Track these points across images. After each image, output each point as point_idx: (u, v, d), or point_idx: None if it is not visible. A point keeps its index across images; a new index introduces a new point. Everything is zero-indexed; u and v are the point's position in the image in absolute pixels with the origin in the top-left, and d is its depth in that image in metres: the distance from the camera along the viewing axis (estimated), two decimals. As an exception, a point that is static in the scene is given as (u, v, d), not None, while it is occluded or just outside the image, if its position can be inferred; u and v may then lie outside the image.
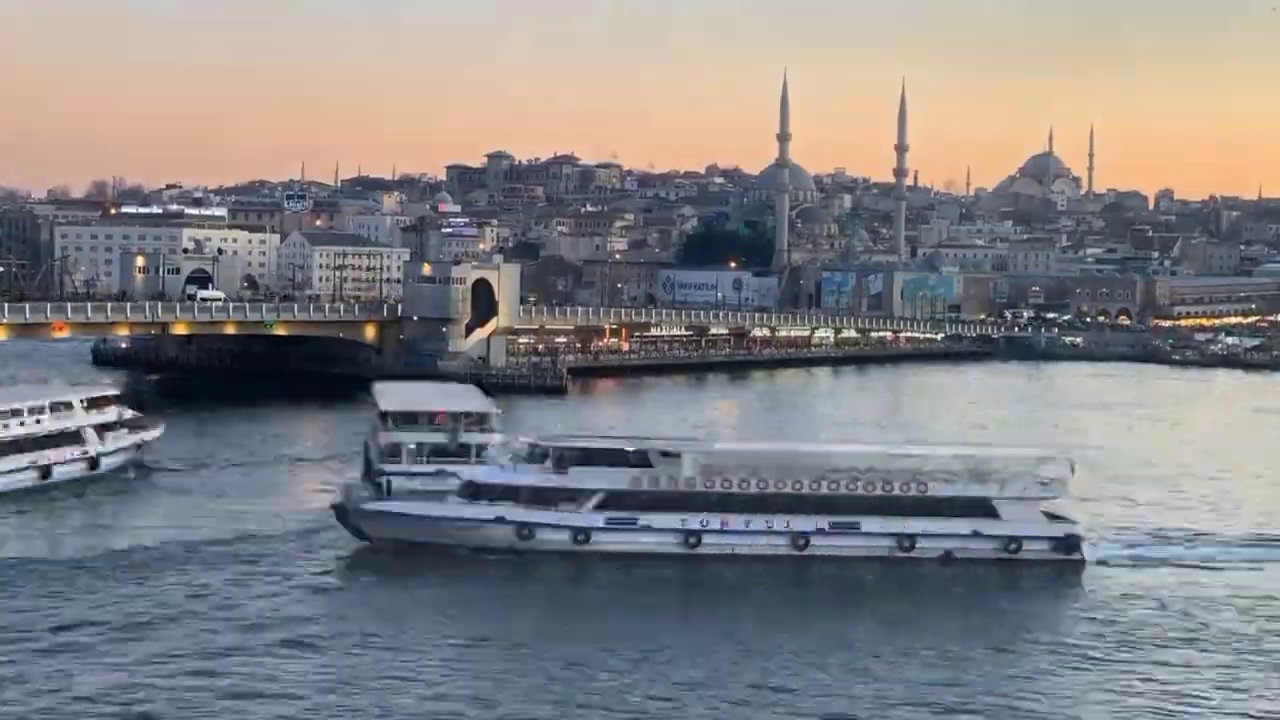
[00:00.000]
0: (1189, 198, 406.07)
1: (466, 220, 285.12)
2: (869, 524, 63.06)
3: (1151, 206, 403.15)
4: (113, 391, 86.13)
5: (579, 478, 62.62)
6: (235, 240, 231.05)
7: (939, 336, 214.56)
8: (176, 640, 50.47)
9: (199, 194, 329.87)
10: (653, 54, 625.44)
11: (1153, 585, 61.78)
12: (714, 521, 62.45)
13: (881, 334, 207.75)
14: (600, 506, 62.36)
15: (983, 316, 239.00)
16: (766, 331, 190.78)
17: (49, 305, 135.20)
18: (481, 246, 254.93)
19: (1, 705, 44.38)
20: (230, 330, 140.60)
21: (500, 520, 62.16)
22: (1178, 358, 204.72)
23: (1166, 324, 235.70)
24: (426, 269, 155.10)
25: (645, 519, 62.39)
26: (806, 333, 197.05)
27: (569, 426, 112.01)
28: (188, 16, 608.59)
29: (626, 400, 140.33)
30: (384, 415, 74.42)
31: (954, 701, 46.89)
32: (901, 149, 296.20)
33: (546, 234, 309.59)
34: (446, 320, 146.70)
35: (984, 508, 63.61)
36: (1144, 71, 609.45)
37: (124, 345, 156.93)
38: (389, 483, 66.84)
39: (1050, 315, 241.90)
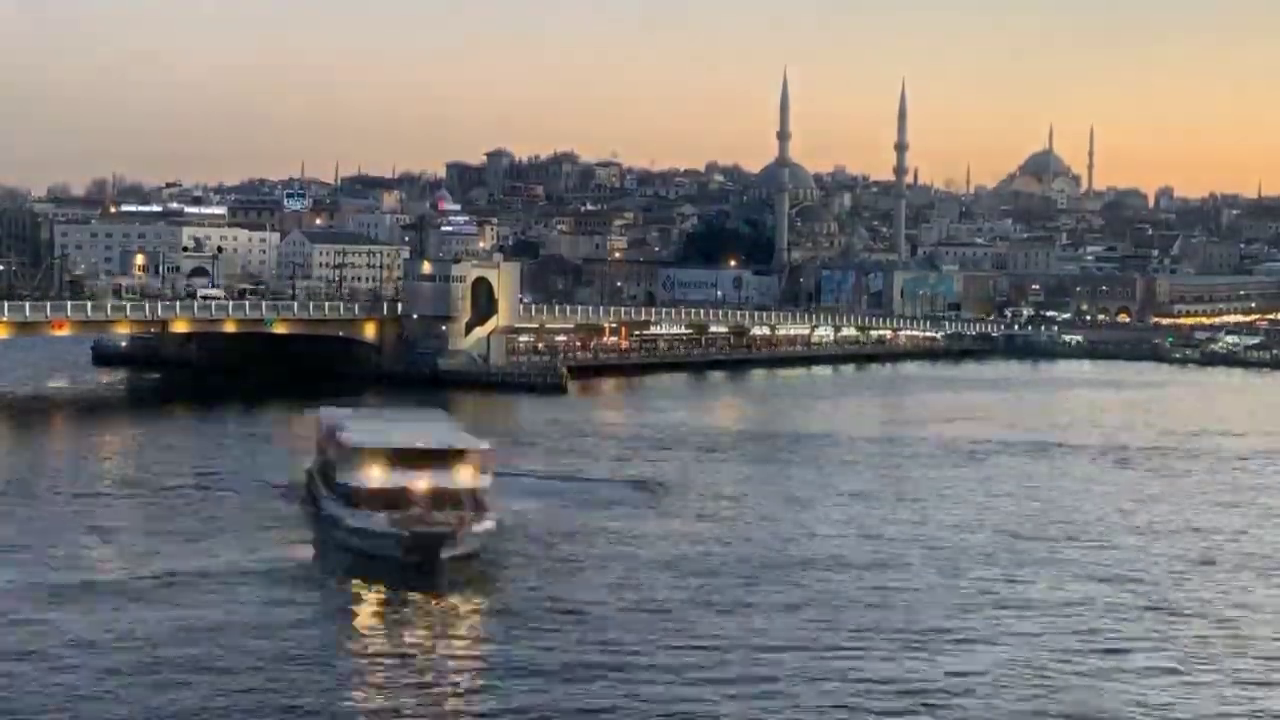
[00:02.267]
0: (1189, 196, 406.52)
1: (466, 219, 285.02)
2: None
3: (1151, 205, 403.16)
4: None
5: None
6: (235, 238, 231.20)
7: (939, 335, 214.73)
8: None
9: (199, 192, 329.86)
10: (653, 52, 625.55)
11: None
12: None
13: (881, 332, 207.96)
14: None
15: (983, 315, 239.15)
16: (766, 330, 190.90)
17: (49, 303, 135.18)
18: (481, 245, 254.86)
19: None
20: (230, 328, 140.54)
21: None
22: (1178, 356, 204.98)
23: (1166, 322, 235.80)
24: (426, 267, 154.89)
25: None
26: (806, 331, 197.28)
27: (569, 423, 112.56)
28: (187, 15, 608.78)
29: (626, 399, 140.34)
30: None
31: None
32: (901, 147, 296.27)
33: (546, 232, 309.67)
34: (446, 319, 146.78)
35: None
36: (1143, 69, 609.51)
37: (124, 344, 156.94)
38: None
39: (1050, 313, 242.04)
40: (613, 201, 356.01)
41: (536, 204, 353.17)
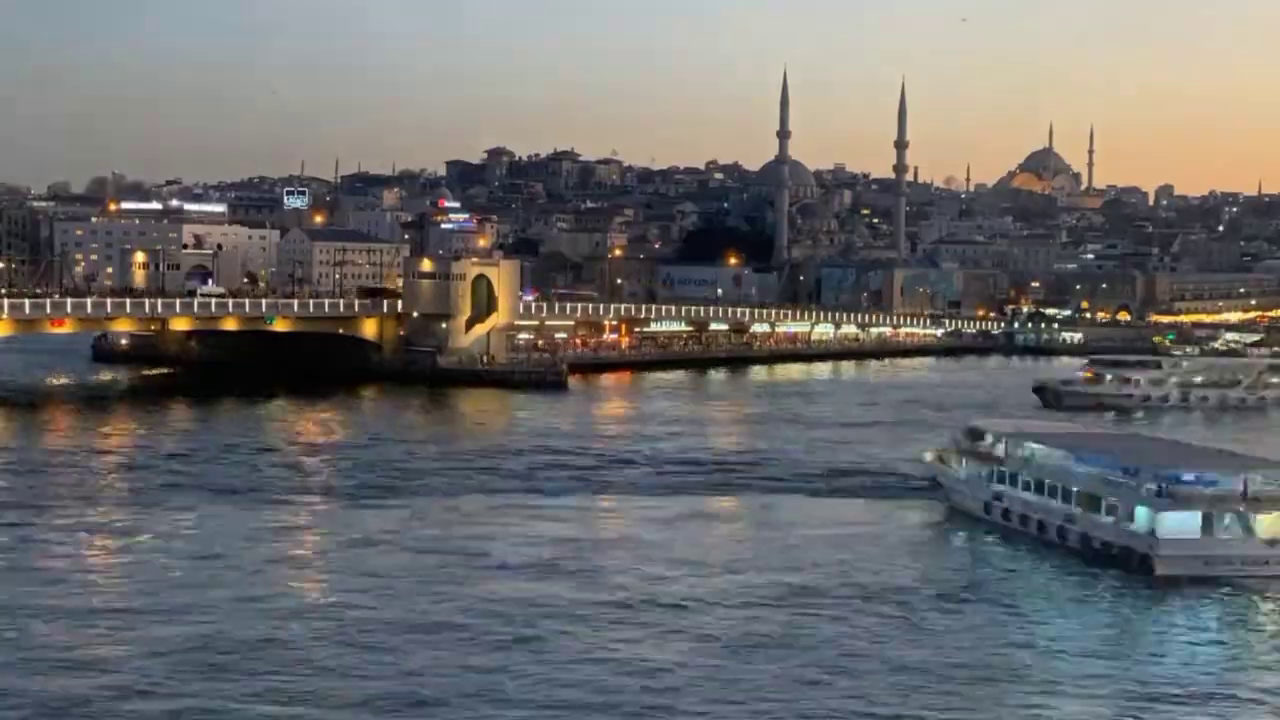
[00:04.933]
0: (1189, 193, 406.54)
1: (467, 216, 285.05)
2: None
3: (1151, 203, 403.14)
4: None
5: None
6: (235, 236, 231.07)
7: (939, 333, 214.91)
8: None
9: (199, 190, 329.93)
10: (653, 50, 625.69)
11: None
12: None
13: (881, 330, 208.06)
14: None
15: (982, 313, 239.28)
16: (766, 327, 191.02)
17: (49, 301, 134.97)
18: (481, 242, 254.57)
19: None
20: (230, 326, 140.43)
21: None
22: (1177, 353, 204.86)
23: (1166, 320, 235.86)
24: (427, 265, 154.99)
25: None
26: (807, 328, 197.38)
27: (569, 421, 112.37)
28: (188, 13, 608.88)
29: (627, 396, 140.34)
30: None
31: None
32: (901, 145, 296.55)
33: (546, 230, 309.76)
34: (447, 316, 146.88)
35: None
36: (1143, 68, 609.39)
37: (124, 341, 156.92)
38: None
39: (1050, 311, 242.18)
40: (613, 199, 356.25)
41: (536, 202, 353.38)
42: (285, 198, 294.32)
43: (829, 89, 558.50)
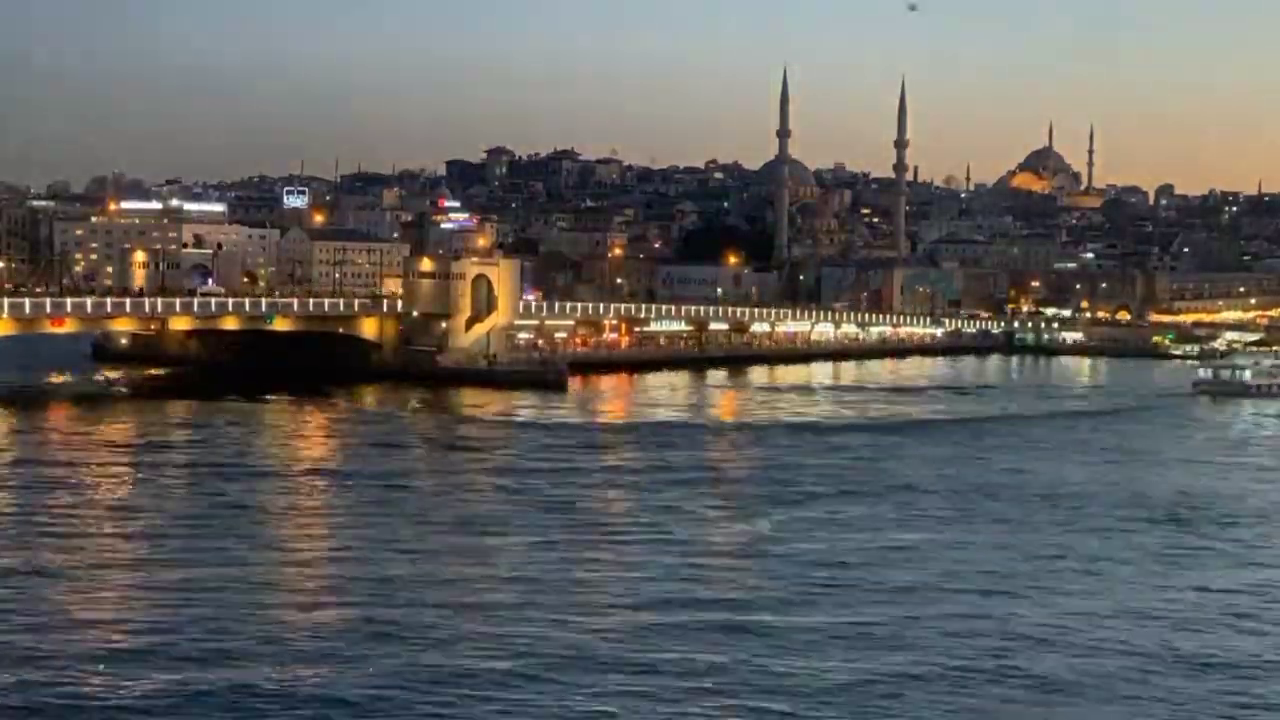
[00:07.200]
0: (1189, 193, 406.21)
1: (467, 216, 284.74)
2: None
3: (1151, 202, 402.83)
4: None
5: None
6: (235, 236, 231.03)
7: (938, 332, 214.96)
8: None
9: (199, 189, 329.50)
10: (653, 50, 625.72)
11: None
12: None
13: (881, 329, 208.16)
14: None
15: (982, 312, 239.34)
16: (766, 326, 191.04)
17: (49, 300, 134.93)
18: (481, 242, 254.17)
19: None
20: (230, 325, 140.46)
21: None
22: (1178, 353, 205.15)
23: (1166, 320, 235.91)
24: (427, 264, 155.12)
25: None
26: (806, 328, 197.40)
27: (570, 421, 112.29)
28: (188, 11, 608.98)
29: (626, 395, 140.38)
30: None
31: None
32: (901, 144, 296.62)
33: (546, 230, 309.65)
34: (446, 316, 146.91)
35: None
36: (1143, 68, 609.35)
37: (125, 341, 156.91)
38: None
39: (1050, 311, 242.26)
40: (613, 199, 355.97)
41: (536, 201, 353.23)
42: (285, 197, 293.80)
43: (829, 89, 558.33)
